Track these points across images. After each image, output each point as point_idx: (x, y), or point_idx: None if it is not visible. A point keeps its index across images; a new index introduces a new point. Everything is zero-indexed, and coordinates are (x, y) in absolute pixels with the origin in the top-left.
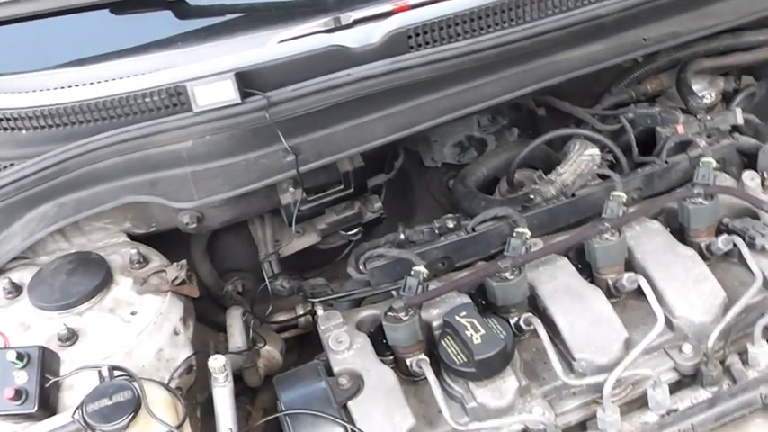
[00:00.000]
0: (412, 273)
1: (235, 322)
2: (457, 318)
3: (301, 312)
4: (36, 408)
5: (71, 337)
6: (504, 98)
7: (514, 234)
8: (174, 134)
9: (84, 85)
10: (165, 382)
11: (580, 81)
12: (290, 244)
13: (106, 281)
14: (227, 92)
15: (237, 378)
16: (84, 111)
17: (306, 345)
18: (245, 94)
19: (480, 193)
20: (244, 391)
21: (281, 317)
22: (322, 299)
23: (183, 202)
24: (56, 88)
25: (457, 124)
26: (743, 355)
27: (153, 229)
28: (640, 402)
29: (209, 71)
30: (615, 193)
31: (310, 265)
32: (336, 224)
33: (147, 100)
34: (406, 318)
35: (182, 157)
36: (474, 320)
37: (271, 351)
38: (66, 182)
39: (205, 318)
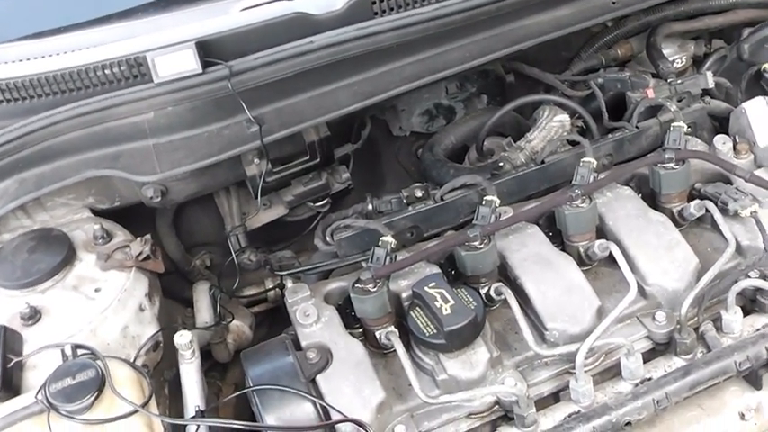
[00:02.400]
0: (380, 243)
1: (202, 297)
2: (426, 288)
3: (270, 286)
4: None
5: (34, 315)
6: (471, 64)
7: (483, 202)
8: (135, 106)
9: (42, 57)
10: (131, 360)
11: (549, 47)
12: (256, 216)
13: (69, 258)
14: (188, 62)
15: (207, 354)
16: (43, 84)
17: (276, 319)
18: (206, 64)
19: (449, 162)
20: (214, 367)
21: (250, 291)
22: (289, 272)
23: (146, 175)
24: (14, 61)
25: (424, 92)
26: (717, 322)
27: (117, 204)
28: (614, 372)
29: (169, 41)
30: (585, 159)
31: (278, 238)
32: (303, 195)
33: (107, 72)
34: (374, 289)
35: (143, 129)
36: (443, 291)
37: (240, 326)
38: (26, 157)
39: (173, 293)
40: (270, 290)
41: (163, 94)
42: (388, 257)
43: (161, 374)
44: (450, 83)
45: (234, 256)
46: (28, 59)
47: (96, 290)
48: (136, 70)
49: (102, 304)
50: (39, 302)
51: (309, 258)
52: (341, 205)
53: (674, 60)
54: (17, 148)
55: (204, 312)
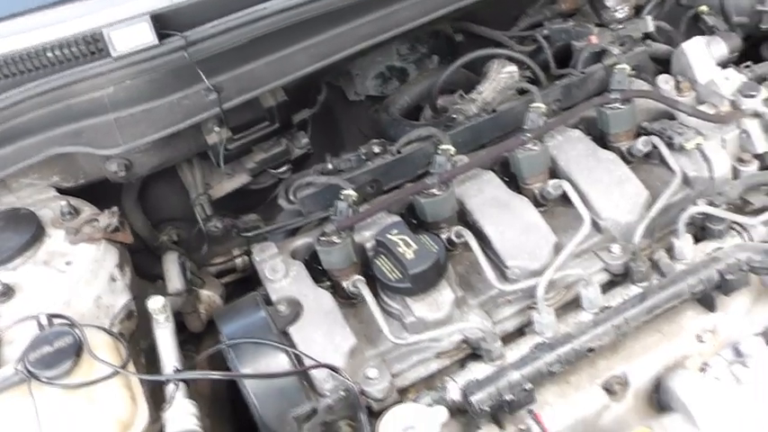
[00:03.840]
0: (341, 197)
1: (171, 266)
2: (389, 236)
3: (237, 254)
4: None
5: (7, 292)
6: (421, 20)
7: (439, 151)
8: (94, 81)
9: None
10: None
11: (497, 5)
12: (220, 185)
13: (38, 235)
14: (144, 34)
15: (181, 326)
16: (2, 65)
17: (246, 290)
18: (162, 36)
19: (404, 120)
20: (189, 340)
21: (219, 260)
22: (255, 232)
23: (109, 148)
24: None
25: (376, 55)
26: (670, 251)
27: (82, 182)
28: (574, 305)
29: (124, 15)
30: (535, 104)
31: (243, 206)
32: (265, 162)
33: (64, 50)
34: (339, 240)
35: (104, 104)
36: (406, 237)
37: (211, 296)
38: None
39: (142, 270)
40: (237, 257)
41: (121, 68)
42: (351, 209)
43: (137, 344)
44: (402, 44)
45: (201, 223)
46: None
47: (67, 263)
48: (93, 46)
49: (74, 277)
50: (11, 279)
51: (274, 220)
52: (301, 171)
53: (616, 10)
54: None
55: (175, 280)
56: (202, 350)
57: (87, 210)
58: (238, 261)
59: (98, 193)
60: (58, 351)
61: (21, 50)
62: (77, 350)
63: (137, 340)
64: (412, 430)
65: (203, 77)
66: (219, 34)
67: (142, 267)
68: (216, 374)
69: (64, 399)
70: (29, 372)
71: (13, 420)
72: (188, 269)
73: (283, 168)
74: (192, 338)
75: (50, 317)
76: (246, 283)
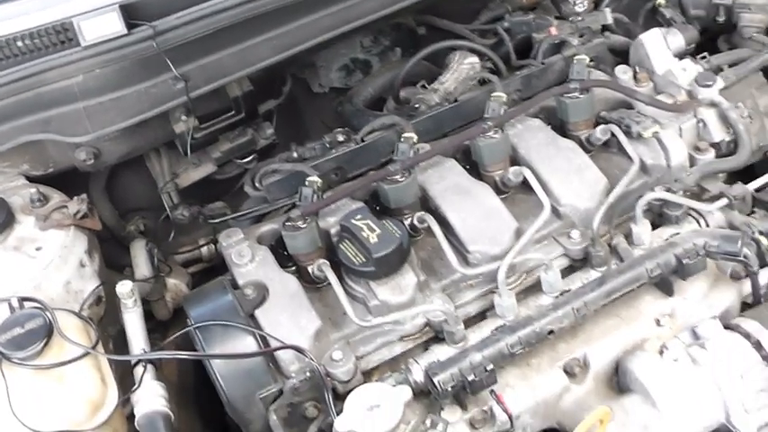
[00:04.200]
0: (306, 183)
1: (139, 253)
2: (353, 221)
3: (203, 242)
4: None
5: None
6: (383, 12)
7: (402, 139)
8: (64, 70)
9: None
10: None
11: None
12: (186, 174)
13: (8, 221)
14: (113, 24)
15: (148, 315)
16: None
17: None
18: (130, 26)
19: (368, 110)
20: (156, 329)
21: (185, 249)
22: (222, 219)
23: (78, 136)
24: None
25: (340, 47)
26: (628, 237)
27: (51, 170)
28: (535, 290)
29: (93, 5)
30: (496, 93)
31: (208, 197)
32: (231, 152)
33: (35, 40)
34: (304, 225)
35: (73, 92)
36: (369, 221)
37: (178, 284)
38: None
39: (110, 261)
40: (203, 245)
41: (90, 57)
42: (316, 195)
43: (105, 330)
44: (365, 37)
45: (168, 211)
46: None
47: (37, 249)
48: (63, 36)
49: (43, 261)
50: None
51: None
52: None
53: (575, 4)
54: None
55: (143, 267)
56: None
57: (56, 197)
58: (204, 250)
59: (66, 182)
60: (29, 332)
61: None
62: (48, 332)
63: (105, 326)
64: (377, 408)
65: (171, 66)
66: (187, 24)
67: (110, 257)
68: (184, 354)
69: (35, 379)
70: (0, 353)
71: None
72: (155, 256)
73: (249, 158)
74: (159, 327)
75: (21, 300)
76: (212, 273)
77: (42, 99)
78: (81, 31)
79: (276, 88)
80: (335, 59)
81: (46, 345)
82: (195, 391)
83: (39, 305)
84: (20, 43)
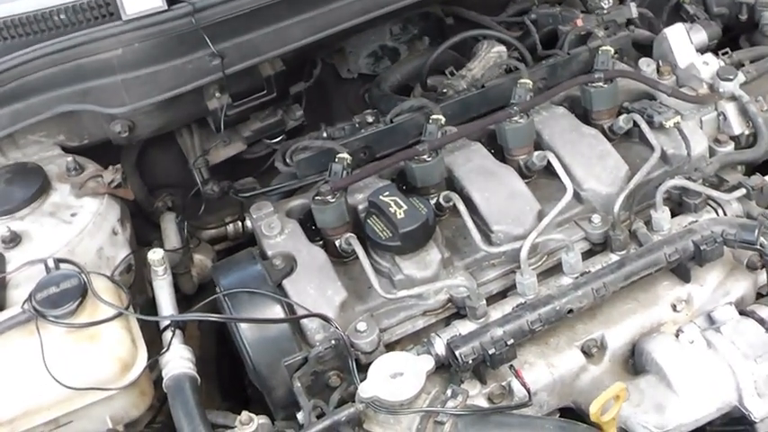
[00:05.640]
0: (336, 160)
1: (169, 225)
2: (381, 197)
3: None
4: None
5: (14, 239)
6: (413, 0)
7: (430, 121)
8: (104, 43)
9: (13, 0)
10: None
11: None
12: (217, 151)
13: (45, 187)
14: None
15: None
16: (16, 25)
17: None
18: (171, 1)
19: (396, 95)
20: (179, 304)
21: (211, 225)
22: (252, 193)
23: (115, 107)
24: None
25: (370, 34)
26: (648, 223)
27: (86, 142)
28: (556, 271)
29: None
30: (522, 80)
31: (236, 176)
32: (261, 131)
33: (77, 12)
34: (333, 200)
35: (112, 65)
36: (397, 198)
37: (203, 260)
38: None
39: (138, 236)
40: (229, 223)
41: (130, 31)
42: (345, 171)
43: (133, 298)
44: (394, 25)
45: (199, 185)
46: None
47: (72, 215)
48: (104, 9)
49: (78, 227)
50: (18, 227)
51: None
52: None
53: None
54: None
55: (173, 237)
56: None
57: (91, 167)
58: (230, 228)
59: (99, 155)
60: (64, 292)
61: (35, 11)
62: (82, 292)
63: (133, 294)
64: (400, 376)
65: (209, 42)
66: (225, 2)
67: (137, 232)
68: (214, 317)
69: (68, 338)
70: (36, 310)
71: (19, 357)
72: (184, 228)
73: (278, 139)
74: (183, 302)
75: (57, 261)
76: (237, 252)
77: (82, 71)
78: (122, 6)
79: (306, 71)
80: (365, 46)
81: (80, 304)
82: (216, 364)
83: (74, 266)
84: (62, 15)
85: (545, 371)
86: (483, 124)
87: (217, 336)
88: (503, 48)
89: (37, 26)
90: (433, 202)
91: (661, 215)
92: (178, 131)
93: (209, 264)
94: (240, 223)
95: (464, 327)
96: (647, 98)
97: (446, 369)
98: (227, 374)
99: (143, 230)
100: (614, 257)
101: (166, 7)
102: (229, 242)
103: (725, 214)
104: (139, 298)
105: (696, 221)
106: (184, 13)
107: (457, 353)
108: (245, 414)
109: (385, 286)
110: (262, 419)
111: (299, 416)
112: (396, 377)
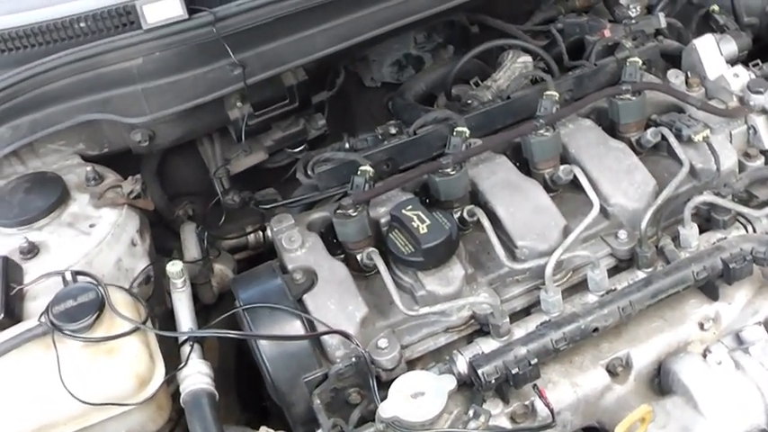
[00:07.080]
0: (359, 172)
1: (189, 236)
2: (403, 211)
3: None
4: (2, 315)
5: (32, 249)
6: (438, 8)
7: (454, 133)
8: (124, 52)
9: (34, 9)
10: None
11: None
12: (238, 161)
13: (63, 197)
14: (174, 8)
15: (193, 299)
16: (36, 33)
17: None
18: (192, 11)
19: (419, 105)
20: (199, 314)
21: (232, 235)
22: (273, 205)
23: (136, 117)
24: (6, 13)
25: (393, 42)
26: (675, 239)
27: (106, 151)
28: (581, 288)
29: None
30: (548, 92)
31: (258, 185)
32: (282, 141)
33: (97, 21)
34: (355, 213)
35: (133, 74)
36: (420, 212)
37: (223, 270)
38: (19, 104)
39: (157, 245)
40: (250, 233)
41: (151, 40)
42: (367, 184)
43: (151, 310)
44: (419, 33)
45: (219, 195)
46: (20, 11)
47: (91, 225)
48: (125, 18)
49: (96, 238)
50: (36, 238)
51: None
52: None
53: (629, 8)
54: (10, 96)
55: (192, 249)
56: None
57: (111, 176)
58: (251, 238)
59: (119, 164)
60: (82, 305)
61: (55, 19)
62: (100, 306)
63: (152, 306)
64: (421, 396)
65: (230, 52)
66: (246, 11)
67: (157, 241)
68: (233, 333)
69: (85, 352)
70: (52, 324)
71: (35, 371)
72: (204, 239)
73: (300, 148)
74: (202, 312)
75: (75, 273)
76: (257, 261)
77: (102, 80)
78: (143, 15)
79: (329, 80)
80: (388, 54)
81: (97, 318)
82: (236, 377)
83: (92, 279)
84: (82, 24)
85: (569, 390)
86: (508, 137)
87: (236, 348)
88: (528, 58)
89: (57, 35)
90: (456, 216)
91: (689, 231)
92: (199, 140)
93: (229, 274)
94: (261, 233)
95: (487, 345)
96: (676, 111)
97: (468, 387)
98: (246, 386)
99: (163, 239)
100: (641, 275)
101: (187, 16)
102: (250, 251)
103: (754, 231)
104: (158, 309)
105: (725, 238)
106: (205, 23)
107: (479, 372)
108: (263, 429)
109: (407, 302)
110: None
111: None
112: (417, 397)
